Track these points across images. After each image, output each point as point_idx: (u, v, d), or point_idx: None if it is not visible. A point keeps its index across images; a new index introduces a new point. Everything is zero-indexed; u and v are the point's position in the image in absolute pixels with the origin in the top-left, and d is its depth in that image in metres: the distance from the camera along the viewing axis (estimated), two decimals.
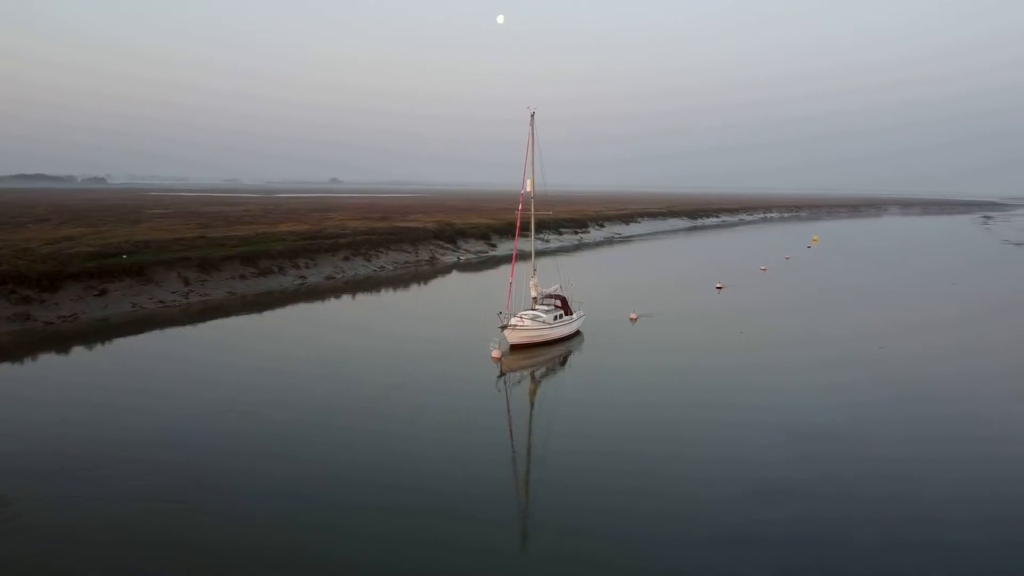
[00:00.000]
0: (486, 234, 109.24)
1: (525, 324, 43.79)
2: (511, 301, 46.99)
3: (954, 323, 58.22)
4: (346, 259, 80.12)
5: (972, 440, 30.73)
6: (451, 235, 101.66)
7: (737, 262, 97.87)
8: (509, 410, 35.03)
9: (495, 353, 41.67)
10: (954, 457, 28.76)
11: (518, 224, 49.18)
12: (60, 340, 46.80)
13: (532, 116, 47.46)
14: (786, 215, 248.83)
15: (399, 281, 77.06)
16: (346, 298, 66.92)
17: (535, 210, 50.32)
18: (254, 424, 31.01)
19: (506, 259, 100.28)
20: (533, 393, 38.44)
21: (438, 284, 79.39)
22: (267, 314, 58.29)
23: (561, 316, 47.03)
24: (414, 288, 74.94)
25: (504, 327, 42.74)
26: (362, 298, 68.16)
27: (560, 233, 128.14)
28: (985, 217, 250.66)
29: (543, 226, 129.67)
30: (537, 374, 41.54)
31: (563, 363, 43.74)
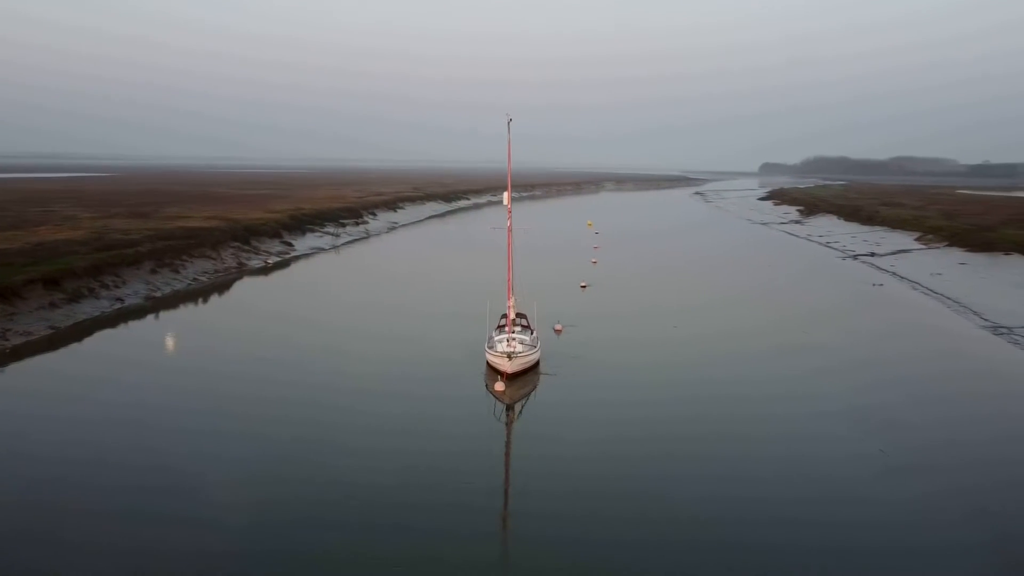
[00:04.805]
0: (278, 232, 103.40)
1: (520, 350, 43.55)
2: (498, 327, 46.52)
3: (841, 310, 67.60)
4: (154, 272, 71.64)
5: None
6: (243, 235, 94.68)
7: (549, 253, 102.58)
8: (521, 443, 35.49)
9: (499, 386, 41.14)
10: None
11: (509, 241, 48.05)
12: None
13: (509, 123, 46.76)
14: (524, 195, 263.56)
15: (222, 291, 72.00)
16: (188, 320, 61.60)
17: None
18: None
19: (305, 256, 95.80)
20: (556, 420, 38.77)
21: (275, 292, 74.47)
22: (111, 351, 51.43)
23: (533, 335, 47.35)
24: (255, 299, 70.43)
25: (509, 356, 42.09)
26: (208, 319, 62.89)
27: (343, 225, 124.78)
28: (697, 193, 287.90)
29: (327, 218, 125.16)
30: (541, 399, 41.90)
31: (555, 383, 44.34)
